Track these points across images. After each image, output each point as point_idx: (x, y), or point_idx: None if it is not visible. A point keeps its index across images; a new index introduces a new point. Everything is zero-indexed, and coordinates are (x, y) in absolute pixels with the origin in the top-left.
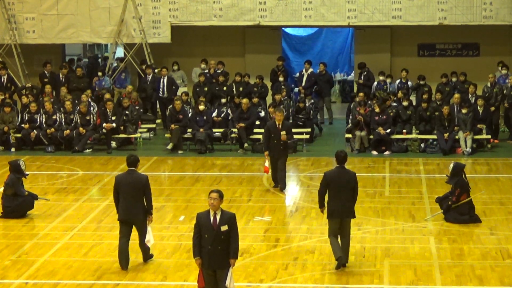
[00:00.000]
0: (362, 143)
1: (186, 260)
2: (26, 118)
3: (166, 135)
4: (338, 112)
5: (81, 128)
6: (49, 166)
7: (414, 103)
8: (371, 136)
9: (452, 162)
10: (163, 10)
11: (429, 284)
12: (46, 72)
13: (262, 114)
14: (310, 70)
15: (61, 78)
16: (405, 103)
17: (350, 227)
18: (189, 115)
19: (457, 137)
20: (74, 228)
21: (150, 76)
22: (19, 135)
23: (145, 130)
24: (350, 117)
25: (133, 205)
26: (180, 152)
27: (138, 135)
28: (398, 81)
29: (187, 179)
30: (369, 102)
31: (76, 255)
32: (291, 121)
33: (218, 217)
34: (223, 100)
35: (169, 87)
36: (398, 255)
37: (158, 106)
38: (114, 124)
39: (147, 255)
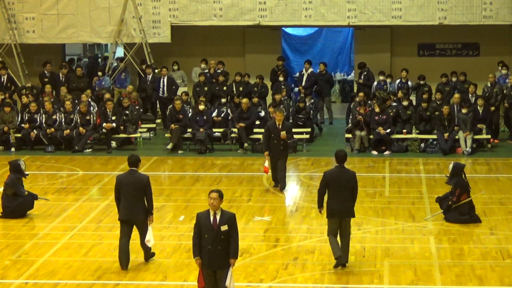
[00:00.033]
0: (362, 143)
1: (186, 260)
2: (26, 118)
3: (166, 135)
4: (338, 112)
5: (81, 128)
6: (49, 166)
7: (414, 103)
8: (371, 136)
9: (452, 162)
10: (163, 10)
11: (429, 284)
12: (46, 72)
13: (262, 114)
14: (310, 70)
15: (61, 78)
16: (405, 103)
17: (350, 227)
18: (189, 115)
19: (457, 137)
20: (74, 228)
21: (150, 76)
22: (19, 135)
23: (145, 130)
24: (350, 117)
25: (134, 205)
26: (180, 152)
27: (138, 135)
28: (398, 81)
29: (187, 179)
30: (369, 102)
31: (76, 255)
32: (291, 121)
33: (218, 217)
34: (223, 100)
35: (169, 87)
36: (398, 255)
37: (158, 106)
38: (114, 124)
39: (148, 254)
